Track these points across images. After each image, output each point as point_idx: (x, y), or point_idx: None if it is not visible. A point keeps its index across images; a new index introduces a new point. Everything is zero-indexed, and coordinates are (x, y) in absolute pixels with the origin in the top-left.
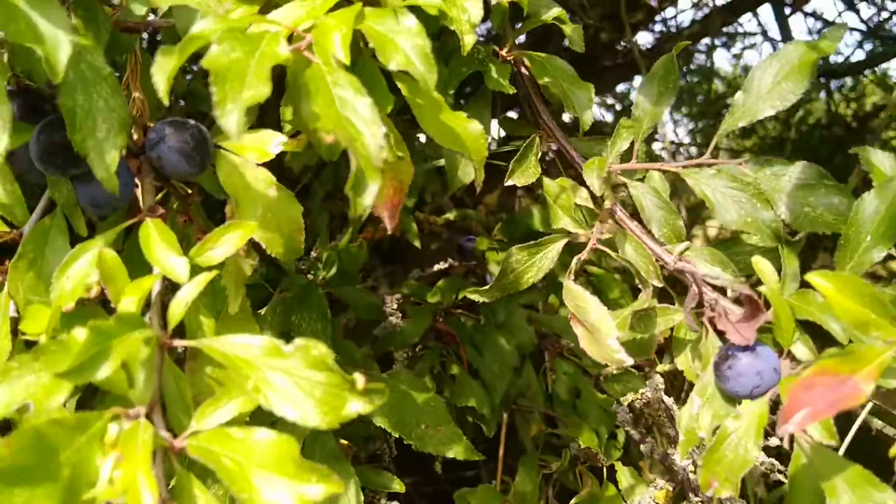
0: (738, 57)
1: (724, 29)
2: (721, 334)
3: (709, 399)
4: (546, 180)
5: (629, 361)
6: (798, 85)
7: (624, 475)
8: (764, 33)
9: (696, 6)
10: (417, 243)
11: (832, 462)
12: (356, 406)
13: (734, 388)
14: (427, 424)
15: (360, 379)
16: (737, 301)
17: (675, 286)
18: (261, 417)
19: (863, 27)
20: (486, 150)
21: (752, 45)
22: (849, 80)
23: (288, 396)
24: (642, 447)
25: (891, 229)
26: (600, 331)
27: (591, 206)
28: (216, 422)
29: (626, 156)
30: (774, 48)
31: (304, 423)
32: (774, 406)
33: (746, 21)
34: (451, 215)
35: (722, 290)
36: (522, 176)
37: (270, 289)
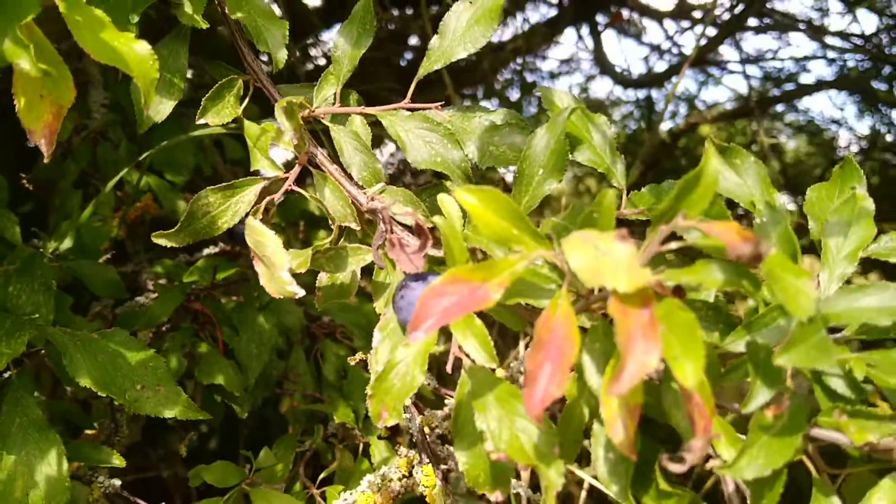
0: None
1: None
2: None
3: (388, 334)
4: (248, 123)
5: (301, 293)
6: (488, 28)
7: (378, 449)
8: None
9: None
10: None
11: (484, 380)
12: None
13: (405, 317)
14: (143, 385)
15: None
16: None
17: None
18: None
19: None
20: (155, 72)
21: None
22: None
23: None
24: (401, 423)
25: (560, 162)
26: (275, 264)
27: (292, 150)
28: None
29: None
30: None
31: None
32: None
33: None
34: None
35: (411, 230)
36: (217, 114)
37: None
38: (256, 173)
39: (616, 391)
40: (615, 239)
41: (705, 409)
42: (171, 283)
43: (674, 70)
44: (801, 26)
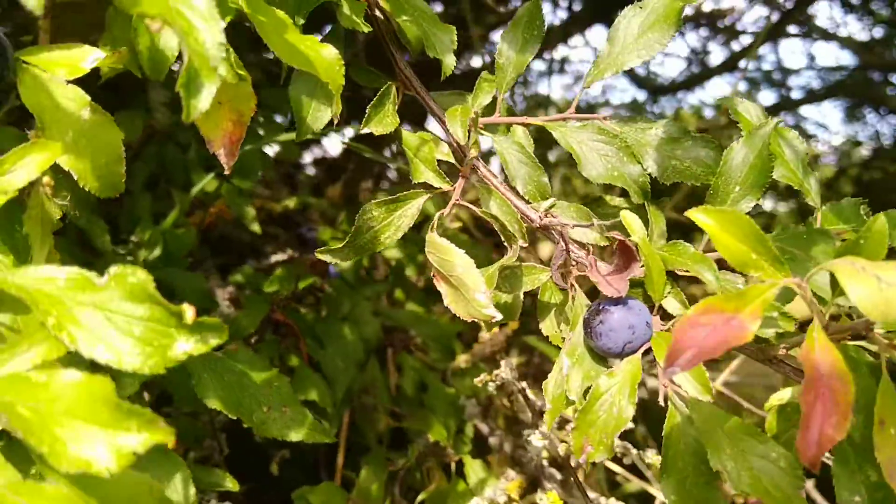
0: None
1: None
2: (590, 292)
3: (578, 360)
4: (406, 132)
5: (498, 317)
6: (664, 34)
7: (473, 469)
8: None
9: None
10: (256, 227)
11: (711, 416)
12: (185, 346)
13: (606, 344)
14: (270, 406)
15: (188, 311)
16: (603, 258)
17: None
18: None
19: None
20: (342, 77)
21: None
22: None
23: (99, 336)
24: (491, 440)
25: (760, 178)
26: (467, 285)
27: (452, 160)
28: (10, 370)
29: (489, 110)
30: None
31: (121, 365)
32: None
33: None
34: (290, 203)
35: (588, 249)
36: (380, 124)
37: None
38: (417, 185)
39: None
40: None
41: None
42: (254, 293)
43: (702, 77)
44: (823, 34)
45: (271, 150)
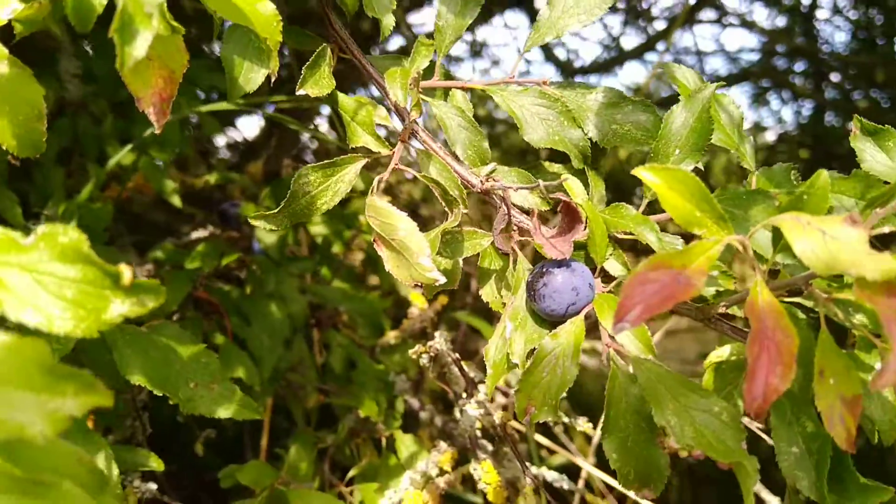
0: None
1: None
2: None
3: (520, 323)
4: (342, 96)
5: (442, 280)
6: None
7: (404, 444)
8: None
9: None
10: (177, 201)
11: (654, 373)
12: (121, 308)
13: (550, 306)
14: (197, 382)
15: (126, 272)
16: (546, 222)
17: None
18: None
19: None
20: (279, 33)
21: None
22: None
23: (27, 298)
24: (422, 415)
25: (700, 141)
26: (410, 249)
27: (390, 125)
28: None
29: (428, 75)
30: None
31: (52, 329)
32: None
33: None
34: (211, 178)
35: (528, 213)
36: (315, 85)
37: None
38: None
39: (882, 384)
40: (845, 223)
41: None
42: (175, 269)
43: (618, 60)
44: (734, 20)
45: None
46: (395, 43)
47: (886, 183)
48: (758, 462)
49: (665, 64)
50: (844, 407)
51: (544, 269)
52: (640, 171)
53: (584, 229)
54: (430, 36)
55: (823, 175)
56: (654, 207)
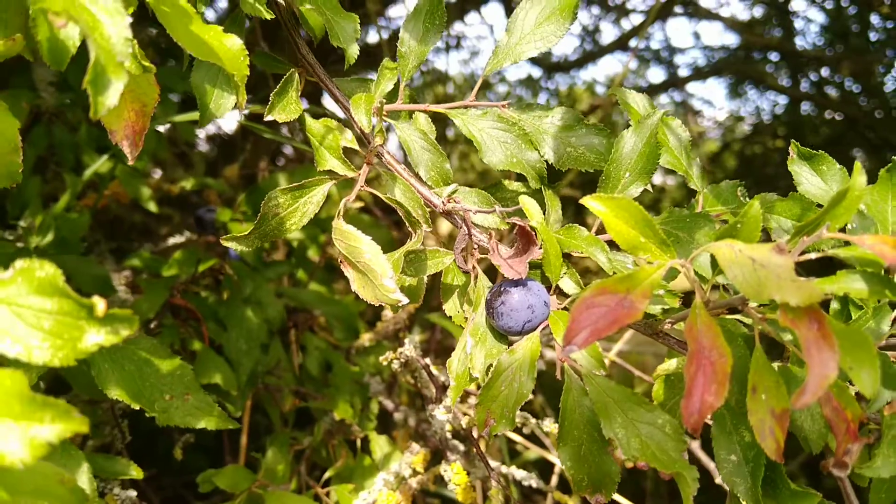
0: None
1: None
2: (490, 272)
3: (481, 339)
4: (310, 120)
5: (405, 301)
6: (559, 27)
7: (379, 445)
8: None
9: None
10: (153, 207)
11: (604, 388)
12: (96, 338)
13: (507, 323)
14: (172, 395)
15: (99, 303)
16: (504, 241)
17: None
18: None
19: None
20: (246, 68)
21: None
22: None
23: (6, 330)
24: (396, 416)
25: (648, 165)
26: (374, 271)
27: (356, 147)
28: None
29: (392, 97)
30: None
31: (30, 359)
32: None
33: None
34: (186, 183)
35: (489, 233)
36: (283, 111)
37: None
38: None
39: (802, 403)
40: (772, 251)
41: (845, 413)
42: (152, 277)
43: (594, 55)
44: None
45: (164, 128)
46: (373, 37)
47: (820, 206)
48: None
49: (617, 89)
50: (774, 420)
51: (502, 288)
52: (587, 201)
53: (540, 249)
54: (393, 58)
55: (755, 206)
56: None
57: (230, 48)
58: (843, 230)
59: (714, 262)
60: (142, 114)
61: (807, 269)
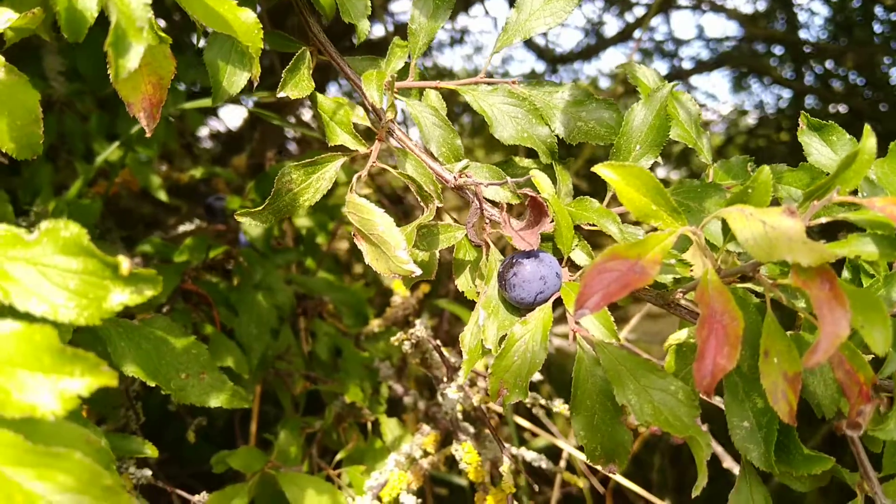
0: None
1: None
2: (502, 248)
3: (493, 311)
4: (321, 97)
5: (418, 272)
6: (569, 2)
7: (389, 427)
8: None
9: None
10: (163, 196)
11: (616, 356)
12: (121, 297)
13: (520, 294)
14: (188, 373)
15: (124, 262)
16: (516, 215)
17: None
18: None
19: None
20: (260, 41)
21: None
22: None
23: (33, 289)
24: (406, 399)
25: (658, 137)
26: (388, 243)
27: (367, 124)
28: None
29: (403, 75)
30: None
31: (56, 318)
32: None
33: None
34: (196, 172)
35: (500, 207)
36: (296, 88)
37: None
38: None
39: (814, 362)
40: (783, 214)
41: (858, 375)
42: (163, 263)
43: (597, 48)
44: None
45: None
46: (377, 31)
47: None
48: (711, 437)
49: (626, 64)
50: (787, 384)
51: (514, 260)
52: (599, 169)
53: (551, 222)
54: (404, 37)
55: (766, 171)
56: (618, 199)
57: (244, 21)
58: (854, 194)
59: (725, 230)
60: (159, 86)
61: (817, 237)
